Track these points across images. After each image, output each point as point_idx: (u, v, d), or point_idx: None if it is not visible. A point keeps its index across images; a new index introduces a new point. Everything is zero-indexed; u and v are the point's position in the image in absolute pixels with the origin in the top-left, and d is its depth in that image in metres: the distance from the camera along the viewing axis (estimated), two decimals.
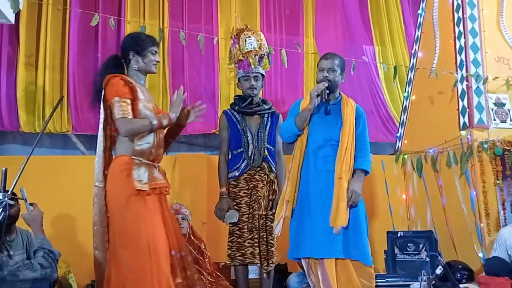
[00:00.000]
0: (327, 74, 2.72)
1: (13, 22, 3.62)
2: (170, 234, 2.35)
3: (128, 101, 2.36)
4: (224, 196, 3.06)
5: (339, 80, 2.78)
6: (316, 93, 2.65)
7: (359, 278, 2.58)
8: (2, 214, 2.26)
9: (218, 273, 3.32)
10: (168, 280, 2.24)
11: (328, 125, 2.72)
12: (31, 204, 2.40)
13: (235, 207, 3.05)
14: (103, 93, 2.43)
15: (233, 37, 3.36)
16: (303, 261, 2.70)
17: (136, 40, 2.54)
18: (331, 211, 2.56)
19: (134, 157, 2.37)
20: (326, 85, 2.67)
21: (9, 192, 2.40)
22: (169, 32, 4.89)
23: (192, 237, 3.27)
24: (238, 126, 3.16)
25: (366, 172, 2.72)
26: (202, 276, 3.13)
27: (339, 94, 2.84)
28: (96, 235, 2.47)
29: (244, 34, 3.27)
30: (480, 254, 3.50)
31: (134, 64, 2.50)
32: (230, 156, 3.18)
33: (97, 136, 4.93)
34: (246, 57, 3.20)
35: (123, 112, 2.33)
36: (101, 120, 2.49)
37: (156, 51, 2.53)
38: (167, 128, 2.57)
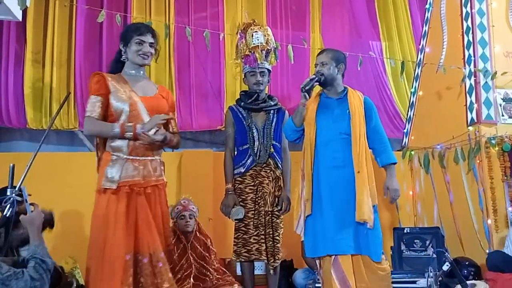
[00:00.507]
0: (319, 69, 2.72)
1: (20, 19, 3.64)
2: (137, 236, 2.25)
3: (98, 98, 2.35)
4: (229, 193, 3.06)
5: (334, 73, 2.73)
6: (302, 87, 2.64)
7: (372, 276, 2.54)
8: (10, 210, 2.27)
9: (224, 269, 3.32)
10: (117, 285, 2.16)
11: (336, 120, 2.69)
12: (31, 205, 2.31)
13: (241, 203, 3.04)
14: None
15: (239, 31, 3.32)
16: (316, 258, 2.68)
17: (124, 30, 2.50)
18: (356, 206, 2.52)
19: (112, 153, 2.35)
20: (314, 77, 2.66)
21: (16, 189, 2.41)
22: (175, 28, 4.89)
23: (198, 234, 3.27)
24: (244, 122, 3.15)
25: (394, 163, 2.71)
26: (208, 273, 3.14)
27: (344, 87, 2.80)
28: None
29: (251, 29, 3.22)
30: (488, 251, 3.48)
31: (124, 55, 2.46)
32: (235, 153, 3.17)
33: None
34: (252, 52, 3.16)
35: (88, 111, 2.35)
36: None
37: (142, 41, 2.41)
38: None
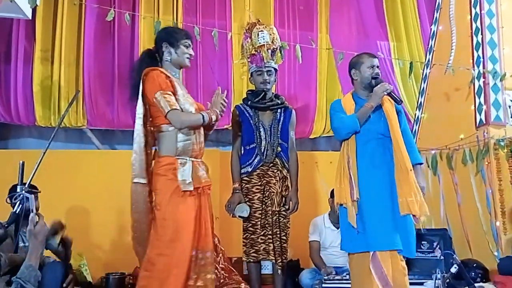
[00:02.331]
0: (378, 71, 2.78)
1: (30, 17, 3.66)
2: (198, 234, 2.38)
3: (172, 94, 2.38)
4: (236, 191, 3.06)
5: None
6: (384, 92, 2.68)
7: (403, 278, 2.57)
8: (20, 207, 2.29)
9: (232, 268, 3.33)
10: (184, 282, 2.29)
11: (371, 121, 2.72)
12: (37, 215, 2.19)
13: (248, 203, 3.04)
14: (141, 87, 2.41)
15: (245, 31, 3.33)
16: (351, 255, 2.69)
17: (169, 31, 2.57)
18: (401, 203, 2.57)
19: (178, 156, 2.40)
20: (392, 87, 2.72)
21: (26, 185, 2.43)
22: (182, 28, 4.89)
23: None
24: (251, 121, 3.15)
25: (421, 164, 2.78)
26: (215, 271, 3.15)
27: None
28: (137, 232, 2.45)
29: (257, 28, 3.23)
30: (496, 253, 3.46)
31: (167, 56, 2.51)
32: (242, 152, 3.17)
33: (112, 131, 4.98)
34: (259, 51, 3.17)
35: (170, 104, 2.35)
36: (140, 116, 2.44)
37: (189, 44, 2.54)
38: None
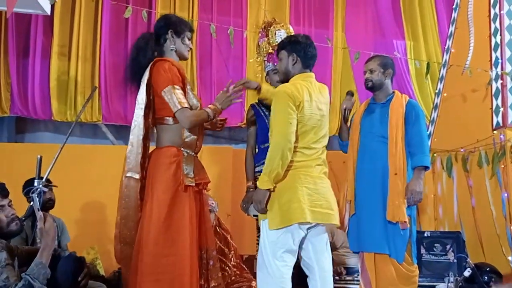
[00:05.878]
0: (367, 76, 2.83)
1: (49, 13, 3.71)
2: (201, 232, 2.33)
3: (181, 89, 2.27)
4: (250, 190, 3.06)
5: (382, 79, 2.82)
6: (343, 107, 2.89)
7: (396, 276, 2.59)
8: (37, 201, 2.32)
9: (243, 266, 3.34)
10: (198, 281, 2.24)
11: (376, 123, 2.76)
12: (44, 215, 2.15)
13: None
14: (147, 76, 2.28)
15: (261, 30, 3.33)
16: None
17: (176, 20, 2.44)
18: (388, 207, 2.59)
19: (183, 149, 2.30)
20: (352, 99, 2.88)
21: (43, 180, 2.47)
22: (198, 25, 4.91)
23: (218, 229, 3.29)
24: (266, 120, 3.15)
25: (425, 168, 2.68)
26: (226, 268, 3.16)
27: (393, 92, 2.85)
28: (123, 229, 2.29)
29: (274, 27, 3.24)
30: (509, 258, 3.41)
31: (171, 44, 2.38)
32: (257, 150, 3.18)
33: (126, 126, 5.02)
34: (276, 50, 3.18)
35: (180, 102, 2.21)
36: (141, 106, 2.29)
37: (190, 37, 2.45)
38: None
